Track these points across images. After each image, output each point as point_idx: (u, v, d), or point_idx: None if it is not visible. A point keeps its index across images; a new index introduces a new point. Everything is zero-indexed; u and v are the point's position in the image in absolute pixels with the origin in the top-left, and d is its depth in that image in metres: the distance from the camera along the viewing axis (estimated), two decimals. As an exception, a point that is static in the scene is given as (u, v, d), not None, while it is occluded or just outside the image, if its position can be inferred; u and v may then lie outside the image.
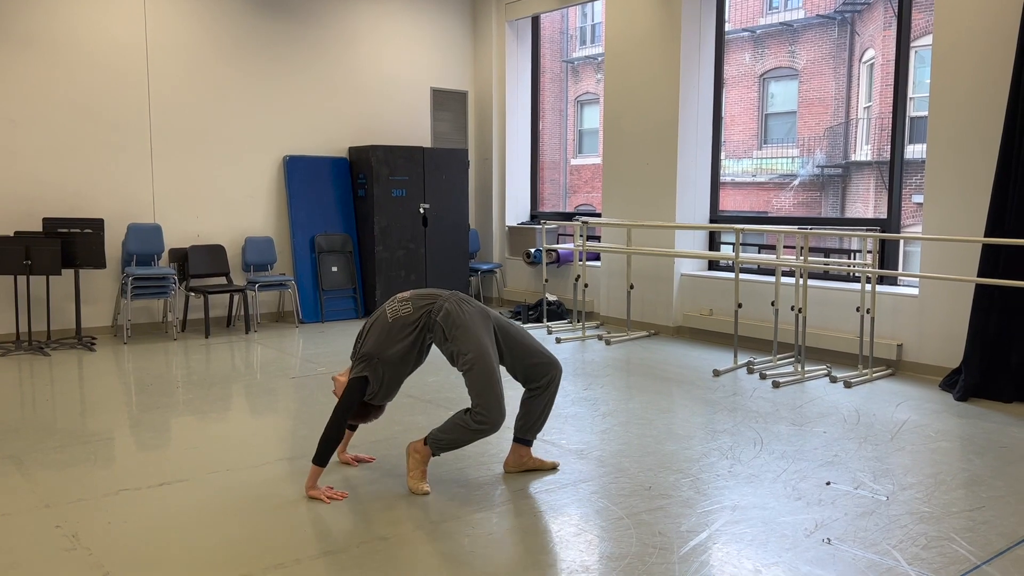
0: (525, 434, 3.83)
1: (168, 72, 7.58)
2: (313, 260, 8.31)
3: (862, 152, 17.71)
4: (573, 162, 23.59)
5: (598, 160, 23.76)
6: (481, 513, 3.33)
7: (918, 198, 16.04)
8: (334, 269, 8.39)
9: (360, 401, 3.52)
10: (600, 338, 7.20)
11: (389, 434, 4.45)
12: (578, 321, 7.80)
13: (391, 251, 8.46)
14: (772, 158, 19.14)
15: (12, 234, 6.73)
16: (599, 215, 8.19)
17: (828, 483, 3.67)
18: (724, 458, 4.02)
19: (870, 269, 5.59)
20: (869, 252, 5.68)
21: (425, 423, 4.67)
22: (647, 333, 7.40)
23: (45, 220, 6.88)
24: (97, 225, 6.96)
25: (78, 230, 6.87)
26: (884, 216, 6.23)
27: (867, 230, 6.08)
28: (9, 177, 6.89)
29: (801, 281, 5.78)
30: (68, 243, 6.74)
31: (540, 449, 4.16)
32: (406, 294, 3.68)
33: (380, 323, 3.60)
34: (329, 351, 6.77)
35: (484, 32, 9.32)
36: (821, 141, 18.85)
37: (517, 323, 3.81)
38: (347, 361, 6.34)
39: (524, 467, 3.84)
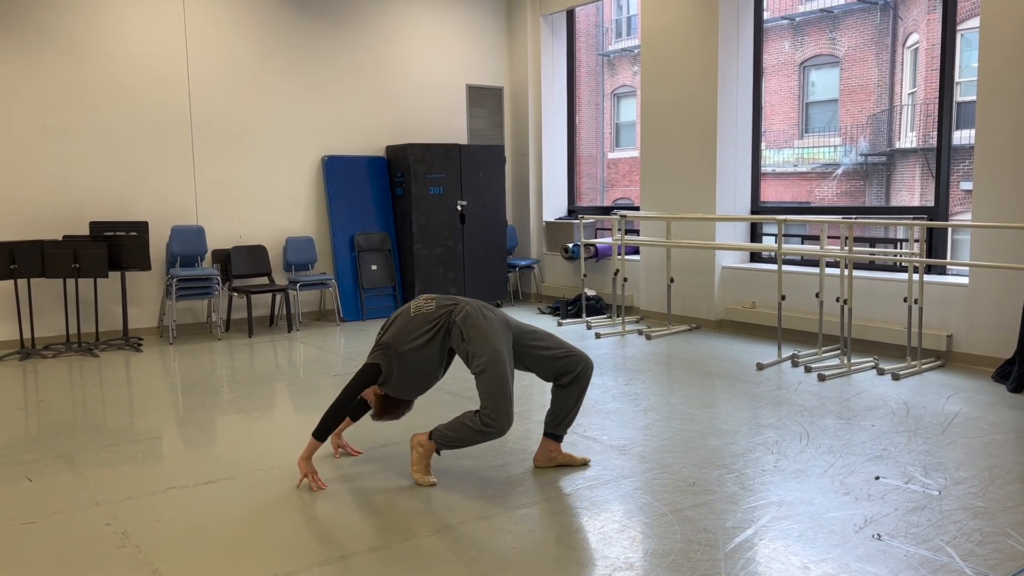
0: (555, 429, 3.80)
1: (208, 75, 7.68)
2: (353, 259, 8.37)
3: (907, 139, 17.33)
4: (610, 156, 23.45)
5: (636, 153, 23.60)
6: (523, 510, 3.31)
7: (967, 185, 15.66)
8: (374, 267, 8.44)
9: (368, 385, 3.57)
10: (640, 333, 7.14)
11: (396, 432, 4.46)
12: (617, 316, 7.75)
13: (429, 248, 8.48)
14: (813, 147, 18.82)
15: (60, 238, 6.88)
16: (637, 209, 8.12)
17: (877, 477, 3.59)
18: (769, 453, 3.96)
19: (918, 259, 5.46)
20: (916, 241, 5.55)
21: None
22: (688, 327, 7.32)
23: (92, 224, 7.02)
24: (142, 228, 7.08)
25: (123, 233, 7.00)
26: (931, 204, 6.08)
27: (914, 218, 5.94)
28: (57, 182, 7.05)
29: (846, 272, 5.67)
30: (114, 246, 6.87)
31: (580, 445, 4.14)
32: (433, 295, 3.72)
33: (403, 317, 3.66)
34: (370, 348, 6.80)
35: (519, 27, 9.29)
36: (864, 129, 18.49)
37: (541, 328, 3.80)
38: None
39: (554, 462, 3.82)
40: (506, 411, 3.45)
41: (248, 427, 4.68)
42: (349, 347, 6.95)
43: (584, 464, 3.84)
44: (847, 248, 5.59)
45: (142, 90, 7.37)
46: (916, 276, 5.61)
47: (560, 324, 7.71)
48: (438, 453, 3.70)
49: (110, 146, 7.26)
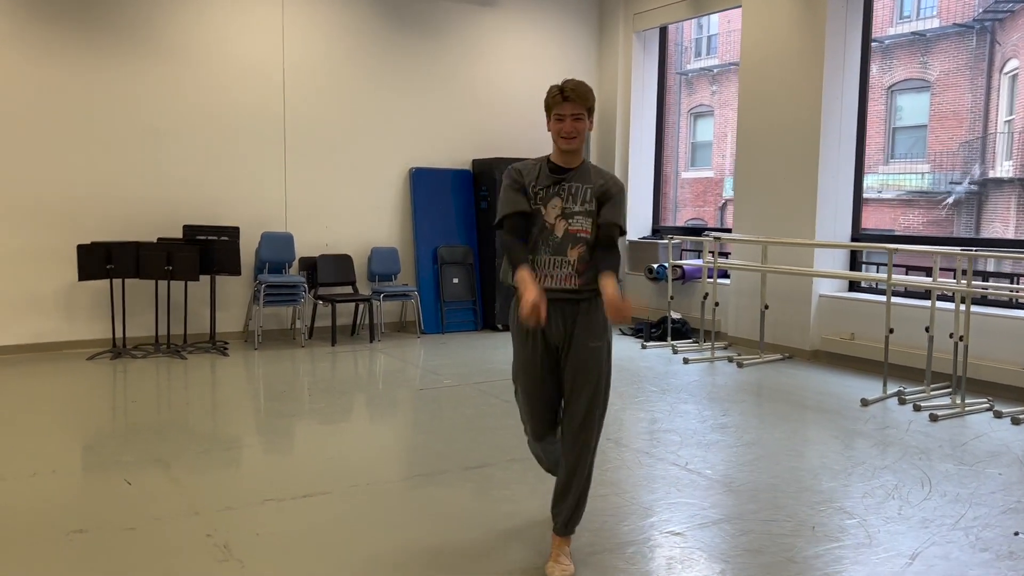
0: (553, 518, 3.04)
1: (303, 84, 7.74)
2: (435, 271, 8.31)
3: (1002, 168, 16.61)
4: (683, 175, 23.10)
5: (710, 174, 23.21)
6: (632, 547, 3.14)
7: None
8: (455, 280, 8.37)
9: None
10: (731, 360, 6.89)
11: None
12: (705, 341, 7.50)
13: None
14: (899, 173, 18.19)
15: (155, 240, 6.98)
16: (712, 230, 7.86)
17: (1017, 533, 3.31)
18: (890, 498, 3.70)
19: (1042, 296, 5.12)
20: (1041, 277, 5.20)
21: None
22: (781, 356, 7.04)
23: (185, 227, 7.11)
24: (233, 233, 7.14)
25: (215, 237, 7.06)
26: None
27: (1040, 253, 5.58)
28: (153, 185, 7.16)
29: (963, 307, 5.35)
30: (206, 250, 6.93)
31: (685, 479, 3.95)
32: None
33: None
34: (451, 362, 6.72)
35: (611, 43, 9.16)
36: (955, 156, 17.81)
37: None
38: (467, 374, 6.27)
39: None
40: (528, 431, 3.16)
41: (338, 439, 4.61)
42: (431, 360, 6.87)
43: None
44: (965, 282, 5.28)
45: (238, 96, 7.46)
46: (1040, 314, 5.26)
47: (644, 347, 7.51)
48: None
49: (205, 150, 7.35)
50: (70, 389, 5.66)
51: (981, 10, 17.13)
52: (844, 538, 3.25)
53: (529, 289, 2.75)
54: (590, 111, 2.91)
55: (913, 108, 18.58)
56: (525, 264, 2.87)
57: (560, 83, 2.89)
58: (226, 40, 7.39)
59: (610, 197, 2.97)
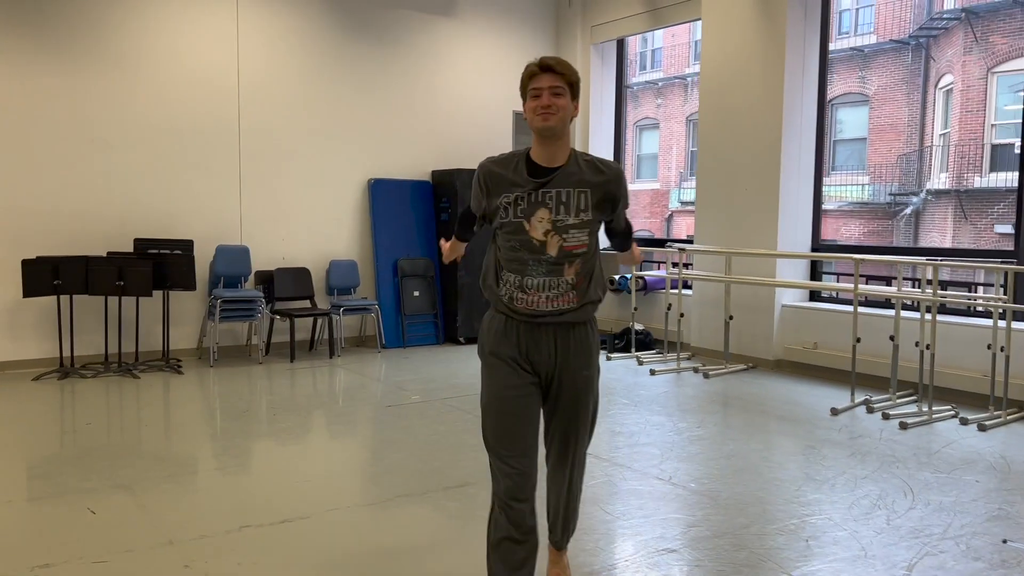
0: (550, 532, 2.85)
1: (258, 93, 7.53)
2: (395, 284, 8.16)
3: (938, 180, 17.16)
4: (630, 187, 23.33)
5: (656, 185, 23.49)
6: (630, 568, 3.07)
7: (1001, 228, 15.43)
8: (416, 294, 8.24)
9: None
10: (696, 370, 6.90)
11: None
12: (670, 352, 7.51)
13: (473, 276, 8.27)
14: (840, 185, 18.64)
15: (105, 255, 6.69)
16: (676, 241, 7.90)
17: (1005, 541, 3.34)
18: (876, 508, 3.71)
19: (1004, 304, 5.24)
20: (1003, 286, 5.33)
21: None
22: (745, 366, 7.09)
23: (136, 240, 6.84)
24: (187, 246, 6.89)
25: (168, 251, 6.81)
26: (1011, 248, 5.87)
27: (1002, 262, 5.71)
28: (102, 197, 6.87)
29: (929, 316, 5.44)
30: (159, 264, 6.67)
31: (671, 492, 3.90)
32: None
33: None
34: (416, 378, 6.58)
35: (568, 55, 9.15)
36: (893, 168, 18.34)
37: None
38: (434, 389, 6.15)
39: None
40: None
41: (308, 459, 4.44)
42: (395, 375, 6.72)
43: None
44: (931, 291, 5.37)
45: (191, 106, 7.22)
46: (1003, 322, 5.37)
47: (609, 358, 7.48)
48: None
49: (156, 162, 7.09)
50: (17, 411, 5.36)
51: (916, 27, 17.71)
52: (839, 551, 3.23)
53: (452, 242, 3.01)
54: (573, 89, 2.45)
55: (852, 121, 19.11)
56: (461, 241, 3.04)
57: None
58: (178, 47, 7.15)
59: (617, 200, 2.51)
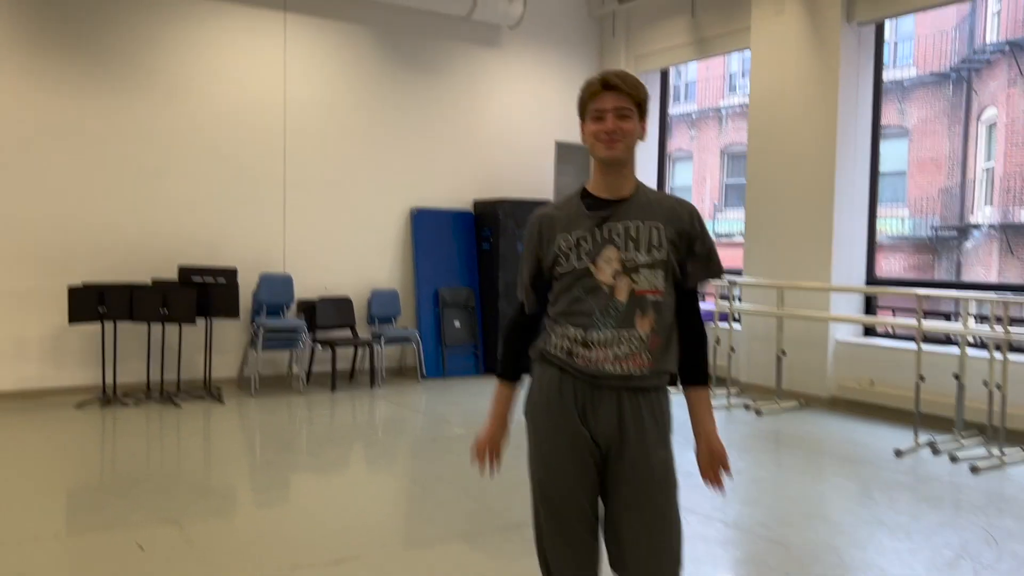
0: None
1: (304, 124, 7.52)
2: (436, 314, 8.06)
3: (982, 214, 16.82)
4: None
5: (690, 217, 23.27)
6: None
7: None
8: (456, 324, 8.12)
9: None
10: (748, 407, 6.69)
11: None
12: (720, 387, 7.30)
13: (509, 307, 8.13)
14: (881, 218, 18.37)
15: (149, 282, 6.66)
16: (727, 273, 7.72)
17: (1107, 599, 3.11)
18: (961, 559, 3.49)
19: (1079, 343, 5.01)
20: (1077, 324, 5.10)
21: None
22: (797, 403, 6.86)
23: (181, 268, 6.80)
24: (230, 274, 6.84)
25: (212, 279, 6.76)
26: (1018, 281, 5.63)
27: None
28: (147, 225, 6.86)
29: (999, 354, 5.21)
30: (203, 292, 6.63)
31: (739, 538, 3.71)
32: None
33: None
34: (459, 410, 6.44)
35: (612, 85, 9.08)
36: (934, 202, 18.03)
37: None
38: (478, 422, 5.99)
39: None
40: None
41: (356, 494, 4.31)
42: (434, 407, 6.59)
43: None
44: (1001, 328, 5.15)
45: (237, 134, 7.22)
46: (1077, 362, 5.13)
47: (655, 393, 7.28)
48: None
49: (202, 190, 7.08)
50: (60, 439, 5.30)
51: (958, 60, 17.49)
52: (930, 606, 3.02)
53: (489, 423, 2.19)
54: (641, 109, 2.07)
55: (892, 154, 18.85)
56: (506, 382, 2.20)
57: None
58: (226, 76, 7.17)
59: (693, 239, 2.06)
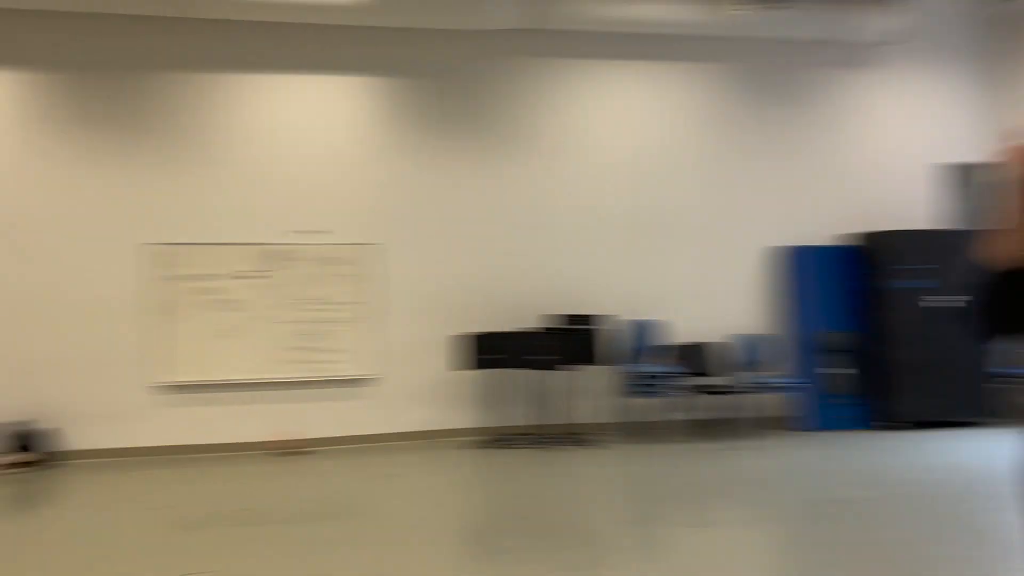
0: None
1: (668, 170, 7.46)
2: (814, 360, 7.40)
3: None
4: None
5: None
6: None
7: None
8: (838, 371, 7.39)
9: None
10: None
11: None
12: None
13: (908, 352, 7.20)
14: None
15: (540, 329, 6.93)
16: None
17: None
18: None
19: None
20: None
21: None
22: None
23: (558, 315, 6.99)
24: (605, 321, 6.89)
25: (587, 327, 6.85)
26: None
27: None
28: (535, 274, 7.21)
29: None
30: (573, 338, 6.73)
31: None
32: None
33: None
34: (847, 468, 5.74)
35: (1010, 96, 7.82)
36: None
37: None
38: (877, 483, 5.27)
39: None
40: None
41: (744, 554, 3.92)
42: (818, 462, 5.95)
43: None
44: None
45: (602, 187, 7.37)
46: None
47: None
48: None
49: (574, 240, 7.29)
50: (448, 479, 5.60)
51: None
52: None
53: None
54: None
55: None
56: None
57: None
58: (588, 136, 7.39)
59: None
